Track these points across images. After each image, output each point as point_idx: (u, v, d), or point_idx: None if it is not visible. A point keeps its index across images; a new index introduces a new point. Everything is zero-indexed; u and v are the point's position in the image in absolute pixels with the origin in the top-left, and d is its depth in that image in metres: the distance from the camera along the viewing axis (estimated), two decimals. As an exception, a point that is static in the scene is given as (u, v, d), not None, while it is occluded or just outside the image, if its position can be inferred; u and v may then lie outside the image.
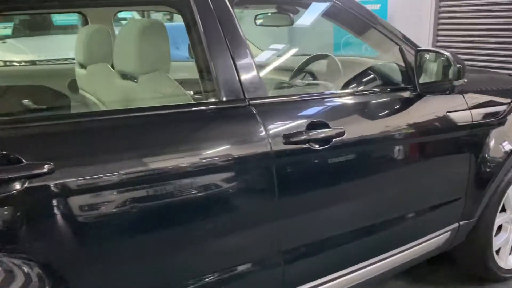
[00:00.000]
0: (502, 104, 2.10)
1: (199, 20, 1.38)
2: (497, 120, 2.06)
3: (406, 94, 1.80)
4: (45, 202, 1.06)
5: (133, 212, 1.17)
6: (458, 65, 1.73)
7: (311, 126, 1.46)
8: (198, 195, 1.26)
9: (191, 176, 1.24)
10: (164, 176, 1.20)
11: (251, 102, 1.40)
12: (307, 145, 1.44)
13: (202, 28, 1.37)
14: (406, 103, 1.78)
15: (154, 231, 1.22)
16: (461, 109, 1.93)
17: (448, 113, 1.87)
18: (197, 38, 1.41)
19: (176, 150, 1.24)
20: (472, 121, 1.96)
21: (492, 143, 2.03)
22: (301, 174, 1.47)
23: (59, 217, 1.07)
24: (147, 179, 1.18)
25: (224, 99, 1.37)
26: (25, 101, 2.05)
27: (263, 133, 1.36)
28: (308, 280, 1.57)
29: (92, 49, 2.02)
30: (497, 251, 2.25)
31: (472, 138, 1.98)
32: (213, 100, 1.43)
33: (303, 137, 1.43)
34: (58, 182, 1.06)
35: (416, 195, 1.86)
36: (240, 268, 1.40)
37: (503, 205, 2.22)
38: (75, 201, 1.09)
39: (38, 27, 7.14)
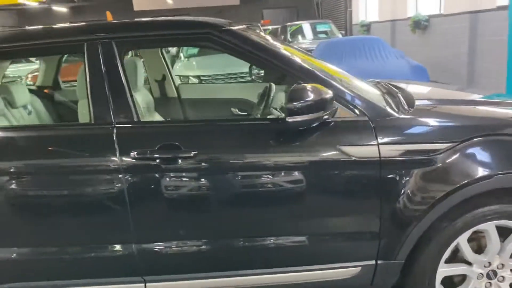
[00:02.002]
0: (434, 142, 1.93)
1: (87, 63, 1.93)
2: (422, 159, 1.92)
3: (277, 125, 1.93)
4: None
5: None
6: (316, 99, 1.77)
7: (163, 147, 1.84)
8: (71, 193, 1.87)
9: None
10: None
11: (116, 125, 1.89)
12: (154, 162, 1.83)
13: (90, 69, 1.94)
14: (276, 134, 1.91)
15: None
16: (363, 143, 1.91)
17: (341, 147, 1.89)
18: (84, 75, 1.95)
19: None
20: (380, 157, 1.90)
21: (414, 184, 1.91)
22: (147, 185, 1.87)
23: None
24: None
25: (93, 121, 1.90)
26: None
27: (117, 150, 1.84)
28: (162, 273, 1.95)
29: None
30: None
31: (382, 175, 1.91)
32: (87, 122, 1.98)
33: (148, 155, 1.83)
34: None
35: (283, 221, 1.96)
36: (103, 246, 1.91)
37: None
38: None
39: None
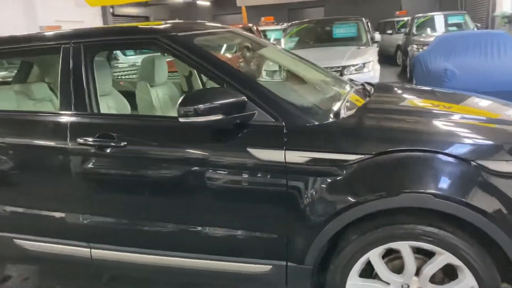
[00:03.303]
0: (344, 153, 1.90)
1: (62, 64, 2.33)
2: (329, 169, 1.90)
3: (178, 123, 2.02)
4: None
5: None
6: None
7: (101, 136, 2.17)
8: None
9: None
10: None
11: (73, 114, 2.26)
12: (92, 148, 2.18)
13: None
14: (180, 131, 2.11)
15: None
16: (270, 147, 1.97)
17: (249, 149, 1.99)
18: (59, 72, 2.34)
19: None
20: (286, 162, 1.95)
21: (319, 192, 1.92)
22: (86, 167, 2.22)
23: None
24: None
25: (60, 110, 2.31)
26: None
27: (68, 135, 2.23)
28: (103, 242, 2.28)
29: None
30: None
31: (288, 180, 1.95)
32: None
33: (90, 142, 2.18)
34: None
35: (199, 212, 2.13)
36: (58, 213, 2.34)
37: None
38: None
39: (320, 39, 8.60)
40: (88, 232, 2.31)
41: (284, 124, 2.00)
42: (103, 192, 2.29)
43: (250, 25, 11.98)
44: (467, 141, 1.90)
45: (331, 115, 2.11)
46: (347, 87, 2.72)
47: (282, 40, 8.62)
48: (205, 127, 2.00)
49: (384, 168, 1.87)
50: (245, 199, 2.05)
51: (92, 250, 2.31)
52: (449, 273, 1.91)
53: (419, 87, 3.44)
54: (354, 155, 1.89)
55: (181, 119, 1.93)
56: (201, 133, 2.06)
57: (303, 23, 9.06)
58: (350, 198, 1.86)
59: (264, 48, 3.25)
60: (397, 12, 18.98)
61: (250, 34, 3.27)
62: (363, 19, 8.63)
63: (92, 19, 16.89)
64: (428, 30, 12.61)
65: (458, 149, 1.85)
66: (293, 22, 9.31)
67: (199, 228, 2.14)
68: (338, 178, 1.89)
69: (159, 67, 3.17)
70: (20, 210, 2.40)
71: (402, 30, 15.17)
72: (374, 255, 1.92)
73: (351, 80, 3.16)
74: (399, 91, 2.90)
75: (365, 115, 2.20)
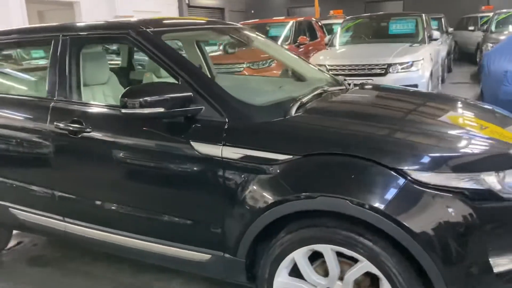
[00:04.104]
0: (275, 152, 1.94)
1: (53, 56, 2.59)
2: (260, 166, 1.95)
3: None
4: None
5: None
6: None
7: (73, 122, 2.40)
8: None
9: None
10: None
11: (54, 100, 2.51)
12: (66, 132, 2.41)
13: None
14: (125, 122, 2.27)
15: None
16: (210, 142, 2.06)
17: (192, 142, 2.09)
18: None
19: None
20: (222, 157, 2.03)
21: (249, 188, 1.97)
22: (60, 149, 2.48)
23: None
24: None
25: (46, 96, 2.56)
26: None
27: (48, 119, 2.48)
28: (76, 218, 2.53)
29: None
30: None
31: (224, 174, 2.03)
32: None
33: (62, 126, 2.41)
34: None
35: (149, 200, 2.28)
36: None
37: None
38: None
39: (374, 35, 8.36)
40: (62, 207, 2.56)
41: (227, 121, 2.07)
42: (72, 173, 2.53)
43: (313, 18, 11.87)
44: (396, 150, 1.85)
45: (280, 114, 2.14)
46: (325, 86, 2.70)
47: (337, 35, 8.49)
48: (148, 119, 2.15)
49: (308, 170, 1.89)
50: (186, 189, 2.16)
51: (66, 224, 2.56)
52: (376, 282, 1.88)
53: (421, 92, 3.30)
54: (284, 155, 1.92)
55: (122, 110, 2.08)
56: (153, 123, 2.20)
57: (358, 18, 8.83)
58: (274, 197, 1.90)
59: (249, 44, 3.31)
60: (483, 7, 17.64)
61: (248, 33, 3.32)
62: (423, 15, 8.20)
63: (167, 10, 17.74)
64: (510, 27, 11.65)
65: (385, 158, 1.80)
66: (350, 17, 9.11)
67: (147, 213, 2.30)
68: (267, 176, 1.94)
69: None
70: (17, 183, 2.73)
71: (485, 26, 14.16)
72: (299, 255, 1.94)
73: (344, 79, 3.11)
74: (380, 95, 2.83)
75: (311, 115, 2.20)
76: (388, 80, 6.61)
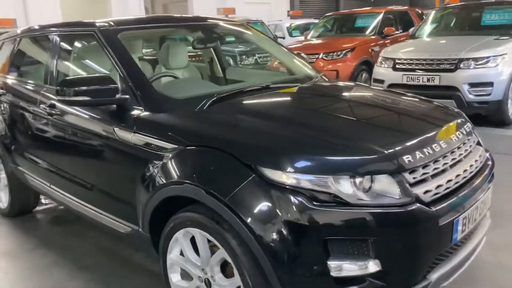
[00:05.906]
0: (166, 141, 2.16)
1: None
2: (156, 153, 2.18)
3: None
4: None
5: None
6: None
7: (51, 105, 2.89)
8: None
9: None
10: None
11: (45, 86, 3.03)
12: (45, 113, 2.94)
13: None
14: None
15: None
16: (125, 129, 2.34)
17: (114, 128, 2.40)
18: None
19: None
20: (132, 143, 2.30)
21: (147, 171, 2.21)
22: (43, 126, 3.00)
23: None
24: None
25: (43, 82, 3.10)
26: None
27: (38, 101, 3.02)
28: (53, 184, 3.05)
29: None
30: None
31: (134, 157, 2.30)
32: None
33: (41, 108, 2.94)
34: None
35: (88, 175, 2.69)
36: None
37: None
38: None
39: (463, 26, 7.63)
40: (47, 175, 3.11)
41: (142, 110, 2.34)
42: (47, 144, 3.08)
43: (406, 7, 11.29)
44: (254, 146, 1.93)
45: (191, 108, 2.33)
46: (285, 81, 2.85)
47: (421, 26, 7.97)
48: (81, 105, 2.52)
49: (184, 160, 2.06)
50: (110, 168, 2.52)
51: (51, 189, 3.11)
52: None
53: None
54: (171, 144, 2.12)
55: (57, 97, 2.47)
56: (94, 110, 2.57)
57: (447, 8, 8.13)
58: (159, 181, 2.13)
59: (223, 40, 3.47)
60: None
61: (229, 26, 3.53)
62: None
63: (277, 1, 18.12)
64: None
65: (241, 152, 1.89)
66: (439, 7, 8.43)
67: (83, 182, 2.77)
68: (160, 162, 2.16)
69: (174, 52, 3.67)
70: (15, 146, 3.41)
71: None
72: (180, 235, 2.13)
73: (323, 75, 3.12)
74: (314, 93, 2.85)
75: (212, 111, 2.34)
76: (458, 77, 6.06)
